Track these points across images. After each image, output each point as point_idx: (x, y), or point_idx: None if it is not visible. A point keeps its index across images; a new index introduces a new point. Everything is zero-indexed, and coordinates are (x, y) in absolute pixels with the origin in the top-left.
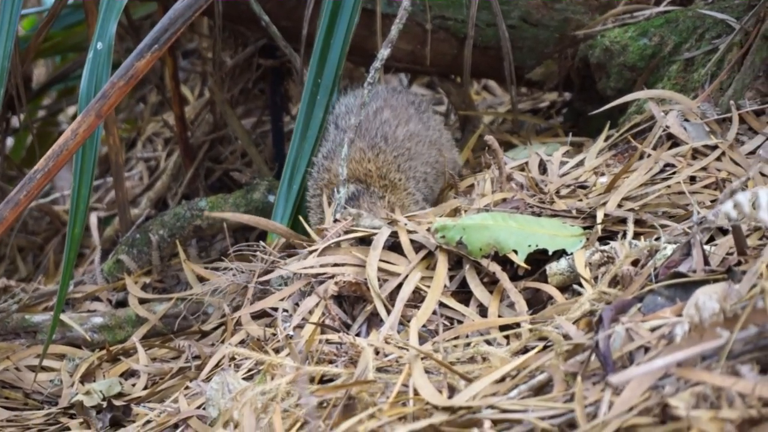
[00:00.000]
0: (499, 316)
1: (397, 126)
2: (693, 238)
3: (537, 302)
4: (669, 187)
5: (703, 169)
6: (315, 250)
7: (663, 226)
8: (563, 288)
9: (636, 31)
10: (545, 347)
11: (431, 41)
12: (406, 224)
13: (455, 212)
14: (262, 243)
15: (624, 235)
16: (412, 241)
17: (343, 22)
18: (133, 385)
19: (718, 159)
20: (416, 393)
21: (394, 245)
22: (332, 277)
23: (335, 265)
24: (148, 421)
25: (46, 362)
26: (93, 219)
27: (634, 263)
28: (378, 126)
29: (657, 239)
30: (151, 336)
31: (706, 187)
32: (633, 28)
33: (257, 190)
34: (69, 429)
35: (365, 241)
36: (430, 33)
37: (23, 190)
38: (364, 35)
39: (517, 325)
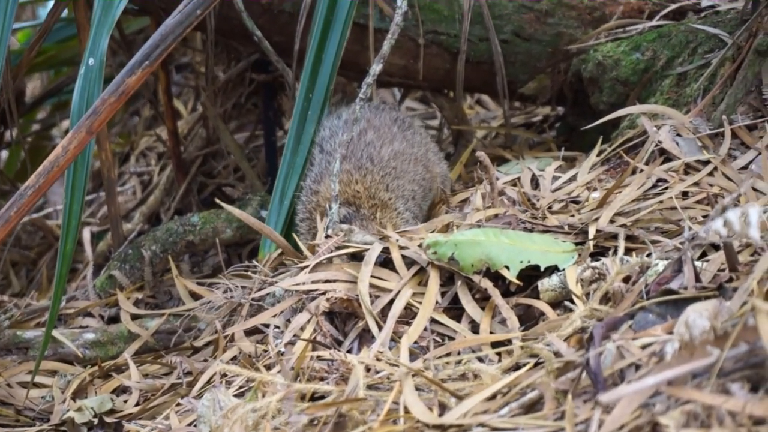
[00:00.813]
0: (491, 333)
1: (381, 146)
2: (684, 254)
3: (529, 318)
4: (661, 202)
5: (695, 184)
6: (306, 267)
7: (654, 242)
8: (555, 304)
9: (629, 46)
10: (536, 364)
11: (424, 56)
12: (397, 240)
13: (447, 228)
14: (254, 260)
15: (615, 252)
16: (403, 257)
17: (334, 38)
18: (125, 401)
19: (710, 174)
20: (407, 411)
21: (385, 261)
22: (324, 293)
23: (327, 281)
24: None
25: (37, 378)
26: (86, 234)
27: (626, 280)
28: (363, 147)
29: (648, 255)
30: (143, 352)
31: (698, 202)
32: (626, 42)
33: (249, 205)
34: None
35: (357, 257)
36: (423, 48)
37: (14, 206)
38: (356, 50)
39: (509, 341)
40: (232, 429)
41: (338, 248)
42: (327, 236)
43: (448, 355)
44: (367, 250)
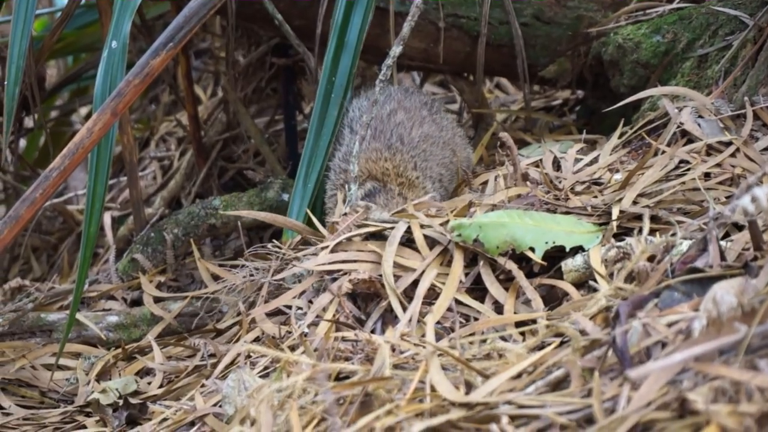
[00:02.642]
0: (515, 313)
1: (411, 128)
2: (709, 233)
3: (552, 299)
4: (683, 183)
5: (718, 165)
6: (326, 247)
7: (678, 223)
8: (579, 285)
9: (649, 28)
10: (561, 343)
11: (444, 39)
12: (420, 219)
13: (468, 207)
14: (275, 241)
15: (640, 231)
16: (425, 237)
17: (356, 20)
18: (149, 383)
19: (733, 155)
20: (433, 389)
21: (407, 241)
22: (345, 273)
23: (347, 261)
24: (164, 419)
25: (61, 361)
26: (107, 218)
27: (650, 259)
28: (393, 128)
29: (673, 235)
30: (166, 334)
31: (720, 183)
32: (646, 25)
33: (271, 188)
34: (85, 427)
35: (376, 236)
36: (443, 31)
37: (39, 188)
38: (376, 33)
39: (533, 321)
40: (259, 409)
41: (358, 227)
42: (344, 214)
43: (472, 335)
44: (385, 228)
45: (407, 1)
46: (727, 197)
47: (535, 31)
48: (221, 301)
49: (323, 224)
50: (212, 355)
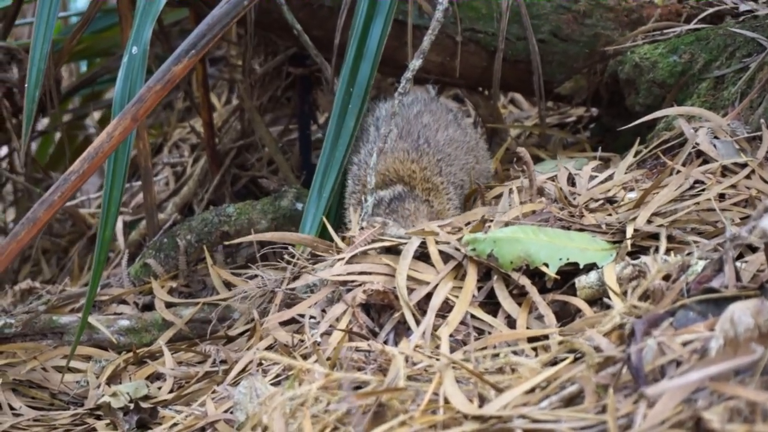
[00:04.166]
0: (528, 328)
1: (437, 130)
2: (725, 254)
3: (565, 315)
4: (698, 204)
5: (733, 186)
6: (342, 258)
7: (693, 243)
8: (592, 301)
9: (666, 48)
10: (575, 359)
11: (461, 53)
12: (438, 234)
13: (483, 223)
14: (291, 248)
15: (656, 250)
16: (439, 252)
17: (376, 31)
18: (159, 388)
19: (748, 177)
20: (446, 401)
21: (421, 255)
22: (360, 284)
23: (362, 273)
24: (175, 424)
25: (72, 363)
26: (119, 223)
27: (665, 278)
28: (420, 129)
29: (689, 254)
30: (176, 340)
31: (735, 204)
32: (663, 44)
33: (285, 197)
34: (95, 430)
35: (391, 251)
36: (461, 45)
37: (58, 191)
38: (394, 46)
39: (546, 337)
40: (272, 416)
41: (373, 241)
42: (361, 228)
43: (484, 348)
44: (401, 243)
45: (425, 14)
46: (742, 218)
47: (552, 47)
48: (233, 308)
49: (338, 233)
50: (223, 362)
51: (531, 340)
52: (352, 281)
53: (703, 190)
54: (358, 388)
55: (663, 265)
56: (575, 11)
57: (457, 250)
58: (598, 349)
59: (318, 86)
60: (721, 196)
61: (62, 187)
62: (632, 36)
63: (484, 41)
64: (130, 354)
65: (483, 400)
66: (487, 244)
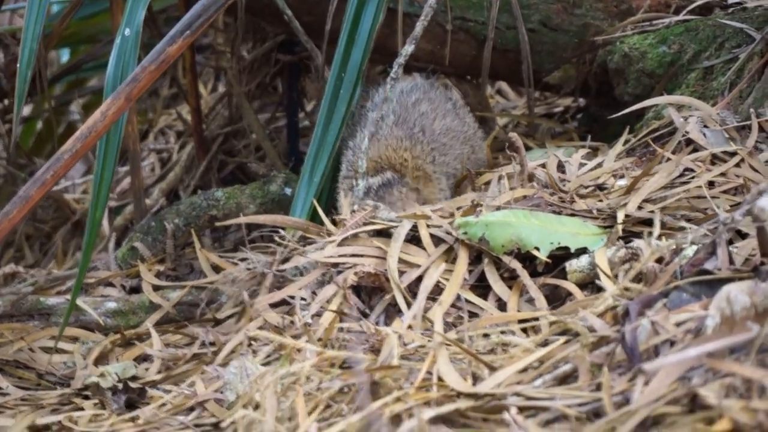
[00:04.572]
0: (518, 311)
1: (434, 119)
2: (719, 236)
3: (555, 299)
4: (687, 191)
5: (722, 174)
6: (333, 241)
7: (683, 228)
8: (582, 285)
9: (655, 39)
10: (568, 340)
11: (451, 42)
12: (429, 217)
13: (474, 207)
14: (281, 230)
15: (650, 234)
16: (431, 235)
17: (368, 17)
18: (147, 369)
19: (737, 165)
20: (440, 380)
21: (412, 239)
22: (351, 267)
23: (354, 255)
24: (164, 404)
25: (59, 344)
26: None
27: (658, 261)
28: (416, 117)
29: (683, 237)
30: (164, 323)
31: (724, 192)
32: (652, 35)
33: (274, 182)
34: (83, 409)
35: (382, 234)
36: (451, 33)
37: (50, 170)
38: (385, 33)
39: (536, 320)
40: (264, 394)
41: (365, 224)
42: (353, 212)
43: (475, 330)
44: (392, 227)
45: (416, 2)
46: (732, 206)
47: (541, 37)
48: (221, 291)
49: (328, 217)
50: (212, 344)
51: (521, 322)
52: (344, 263)
53: (693, 177)
54: (349, 368)
55: (657, 248)
56: (565, 1)
57: (448, 233)
58: (591, 330)
59: (306, 74)
60: (711, 184)
61: (54, 166)
62: (621, 26)
63: (474, 30)
64: (118, 336)
65: (476, 379)
66: (478, 227)
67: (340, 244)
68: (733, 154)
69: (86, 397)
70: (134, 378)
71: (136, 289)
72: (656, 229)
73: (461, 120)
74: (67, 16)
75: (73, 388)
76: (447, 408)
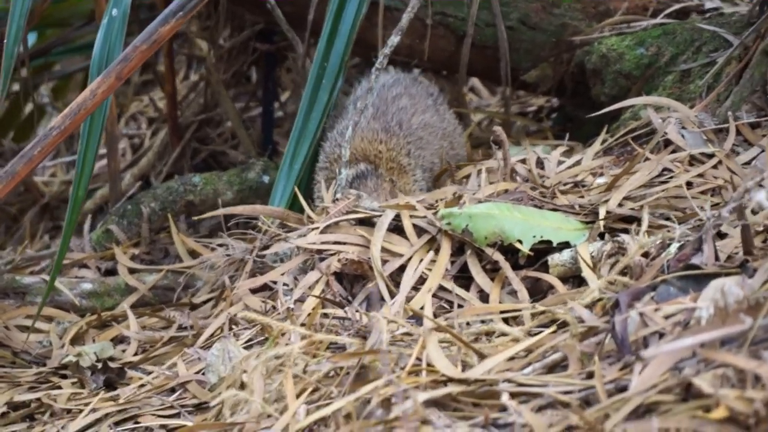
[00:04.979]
0: (500, 303)
1: (413, 114)
2: (705, 233)
3: (537, 292)
4: (666, 190)
5: (700, 175)
6: (316, 228)
7: (664, 226)
8: (564, 279)
9: (633, 41)
10: (555, 331)
11: (430, 37)
12: (414, 207)
13: (457, 200)
14: (262, 217)
15: (637, 229)
16: (413, 225)
17: (351, 9)
18: (124, 351)
19: (715, 167)
20: (429, 365)
21: (395, 228)
22: (334, 254)
23: (337, 242)
24: (143, 385)
25: (30, 324)
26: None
27: (644, 255)
28: (395, 111)
29: (670, 232)
30: (139, 306)
31: (702, 192)
32: (630, 37)
33: (252, 169)
34: (60, 388)
35: (364, 222)
36: (430, 28)
37: (38, 145)
38: (364, 26)
39: (519, 311)
40: (251, 376)
41: (348, 212)
42: (336, 200)
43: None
44: (374, 216)
45: None
46: (712, 206)
47: (520, 35)
48: (198, 276)
49: (309, 204)
50: (190, 327)
51: (504, 313)
52: (326, 250)
53: (672, 177)
54: (337, 352)
55: (644, 242)
56: (544, 0)
57: (431, 224)
58: (580, 320)
59: (283, 63)
60: (689, 184)
61: (43, 142)
62: (599, 27)
63: (453, 25)
64: (94, 317)
65: (465, 366)
66: (462, 218)
67: (322, 232)
68: (710, 155)
69: (63, 376)
70: (111, 359)
71: (111, 272)
72: (644, 224)
73: (440, 116)
74: None
75: (50, 366)
76: (440, 392)
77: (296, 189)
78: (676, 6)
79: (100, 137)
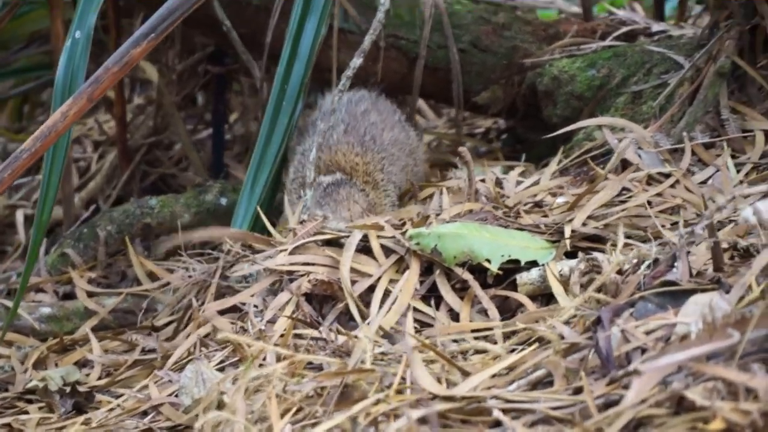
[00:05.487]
0: (470, 321)
1: (383, 130)
2: (680, 250)
3: (506, 310)
4: (626, 209)
5: (659, 194)
6: (285, 249)
7: (628, 245)
8: (533, 297)
9: (584, 63)
10: (536, 348)
11: (383, 59)
12: (381, 228)
13: (425, 219)
14: (227, 238)
15: (613, 246)
16: (381, 246)
17: (309, 31)
18: (88, 375)
19: (672, 186)
20: (413, 383)
21: (363, 249)
22: (303, 275)
23: (306, 263)
24: (112, 408)
25: None
26: (18, 216)
27: (618, 273)
28: (366, 126)
29: (648, 249)
30: (99, 329)
31: (662, 211)
32: (581, 59)
33: (210, 191)
34: (27, 413)
35: (331, 243)
36: (383, 50)
37: (8, 168)
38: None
39: (490, 329)
40: (233, 397)
41: (315, 234)
42: (302, 221)
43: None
44: (341, 237)
45: (350, 18)
46: (672, 224)
47: (471, 57)
48: (160, 298)
49: (273, 225)
50: (152, 351)
51: (475, 332)
52: (296, 271)
53: (631, 197)
54: (317, 372)
55: (620, 259)
56: (495, 23)
57: (399, 244)
58: (560, 337)
59: (233, 85)
60: (648, 203)
61: (13, 165)
62: (549, 50)
63: (405, 47)
64: (56, 341)
65: (449, 384)
66: (431, 238)
67: (291, 253)
68: (667, 175)
69: (29, 401)
70: (78, 382)
71: (68, 296)
72: (620, 242)
73: (407, 133)
74: (6, 17)
75: (14, 392)
76: (430, 409)
77: (260, 210)
78: (624, 29)
79: (64, 160)
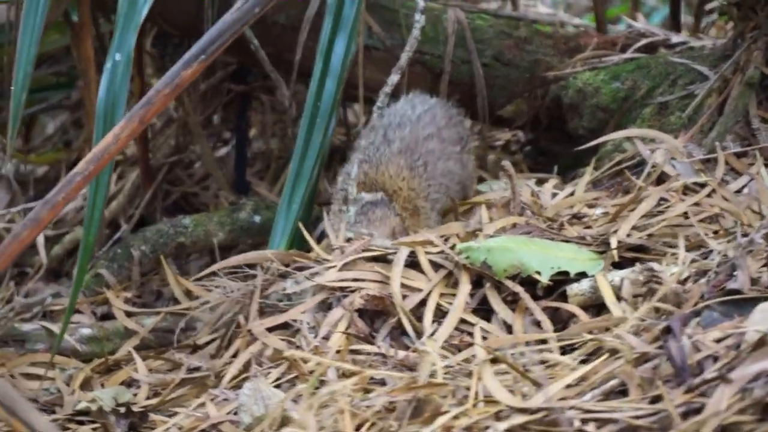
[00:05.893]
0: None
1: (439, 159)
2: (740, 258)
3: (557, 321)
4: (665, 219)
5: (696, 204)
6: (334, 266)
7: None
8: (584, 308)
9: (608, 75)
10: (606, 358)
11: (408, 74)
12: (430, 242)
13: (473, 233)
14: (273, 258)
15: (675, 256)
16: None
17: (339, 48)
18: (135, 395)
19: (709, 195)
20: (486, 396)
21: (411, 264)
22: (354, 290)
23: (356, 279)
24: (168, 428)
25: (32, 371)
26: (39, 237)
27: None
28: (424, 152)
29: (706, 259)
30: (140, 349)
31: (701, 221)
32: (604, 71)
33: (243, 209)
34: None
35: (378, 260)
36: (408, 66)
37: (62, 191)
38: None
39: (544, 341)
40: (303, 414)
41: (363, 250)
42: (348, 239)
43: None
44: (388, 253)
45: (374, 35)
46: (714, 232)
47: (494, 71)
48: (200, 317)
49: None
50: (197, 369)
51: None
52: (346, 287)
53: (669, 207)
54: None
55: (681, 269)
56: (517, 37)
57: (447, 258)
58: (630, 347)
59: (256, 103)
60: (685, 214)
61: (66, 188)
62: (572, 63)
63: (430, 63)
64: (101, 361)
65: (523, 396)
66: (480, 252)
67: (340, 270)
68: (702, 185)
69: (81, 422)
70: (128, 403)
71: (105, 316)
72: (681, 252)
73: (463, 164)
74: None
75: (63, 414)
76: (512, 422)
77: (302, 227)
78: (644, 41)
79: (108, 181)
